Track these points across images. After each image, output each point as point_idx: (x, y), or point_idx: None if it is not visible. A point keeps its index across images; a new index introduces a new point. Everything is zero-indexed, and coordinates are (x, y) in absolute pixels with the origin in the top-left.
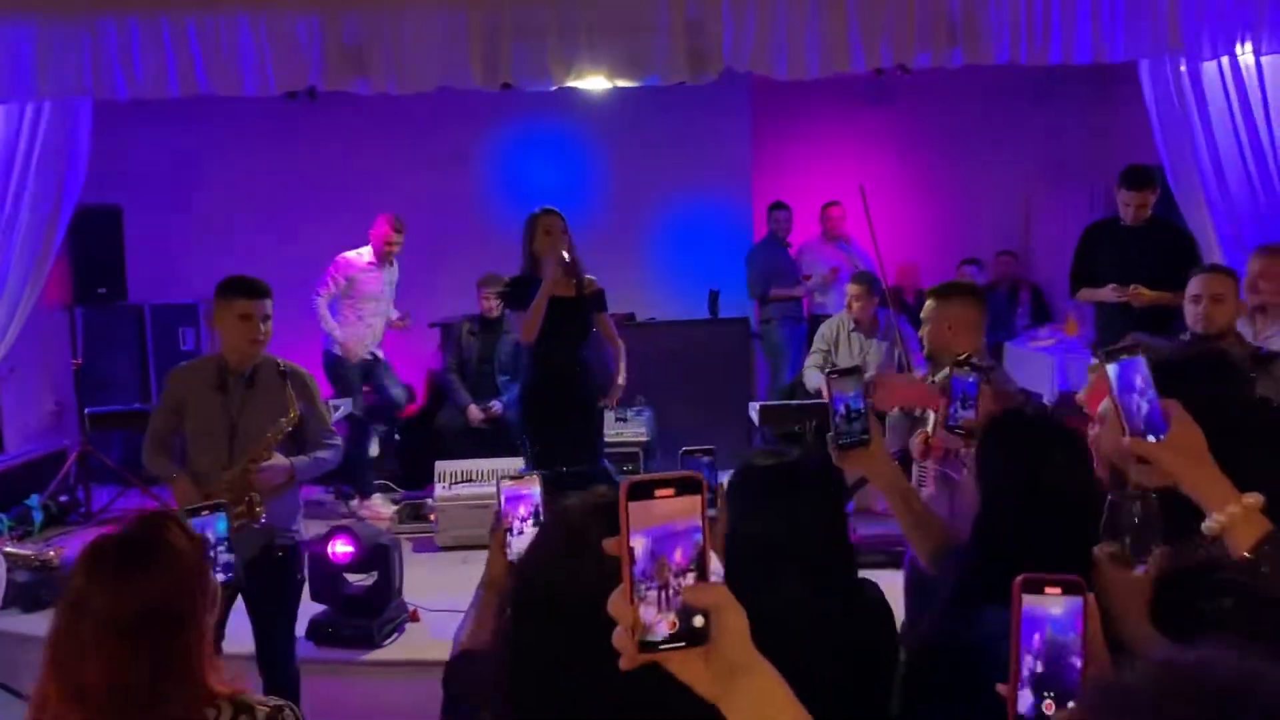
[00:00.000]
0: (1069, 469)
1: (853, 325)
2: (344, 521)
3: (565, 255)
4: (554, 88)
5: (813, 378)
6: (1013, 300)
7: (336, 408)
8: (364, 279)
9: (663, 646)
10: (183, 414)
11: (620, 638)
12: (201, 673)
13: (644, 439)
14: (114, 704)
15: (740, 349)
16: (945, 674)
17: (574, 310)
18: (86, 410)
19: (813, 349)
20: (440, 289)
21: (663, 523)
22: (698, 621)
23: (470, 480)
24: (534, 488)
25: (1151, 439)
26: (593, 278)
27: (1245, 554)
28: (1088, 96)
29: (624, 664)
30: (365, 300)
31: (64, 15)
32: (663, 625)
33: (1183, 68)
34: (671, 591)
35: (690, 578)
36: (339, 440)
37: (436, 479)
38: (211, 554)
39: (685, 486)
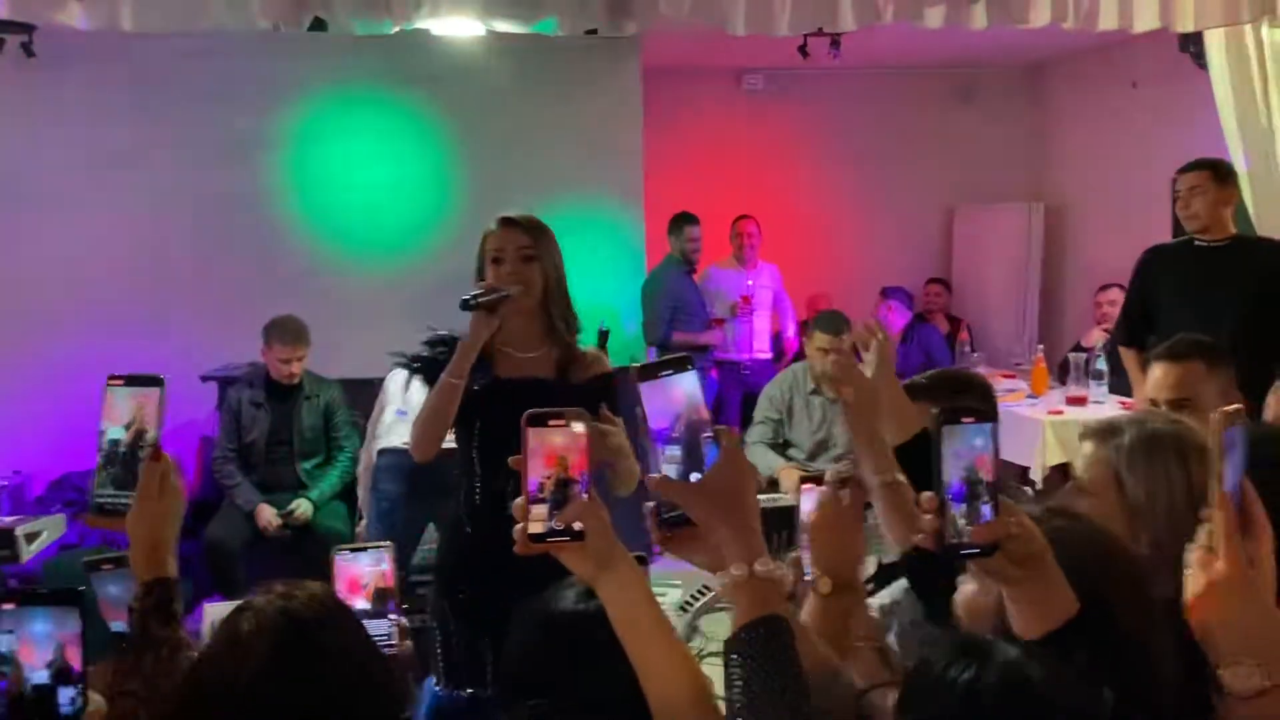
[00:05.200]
0: None
1: (812, 386)
2: None
3: (497, 291)
4: (393, 30)
5: (762, 459)
6: (952, 342)
7: None
8: None
9: (549, 539)
10: None
11: (517, 531)
12: None
13: None
14: None
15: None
16: None
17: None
18: None
19: (756, 418)
20: (217, 327)
21: (556, 447)
22: (577, 525)
23: None
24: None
25: (695, 477)
26: (594, 351)
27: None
28: (1020, 98)
29: (517, 549)
30: None
31: None
32: (551, 525)
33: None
34: (559, 500)
35: (575, 489)
36: None
37: (205, 626)
38: None
39: (574, 419)
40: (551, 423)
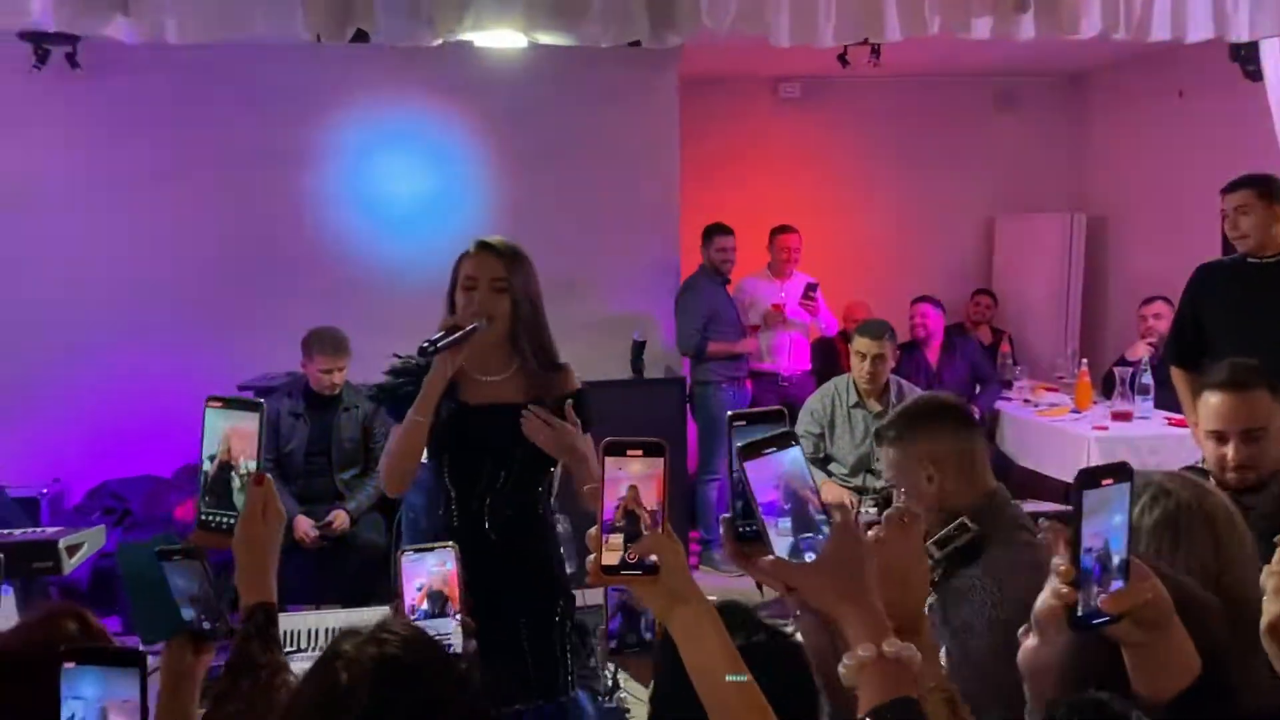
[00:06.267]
0: None
1: (855, 399)
2: None
3: (470, 323)
4: (436, 43)
5: None
6: (994, 354)
7: None
8: None
9: (622, 572)
10: None
11: (590, 562)
12: None
13: None
14: None
15: (675, 420)
16: None
17: (519, 429)
18: None
19: (796, 431)
20: (256, 337)
21: (632, 476)
22: (651, 558)
23: (299, 649)
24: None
25: (810, 557)
26: (566, 365)
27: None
28: (1062, 105)
29: (589, 581)
30: None
31: None
32: (625, 557)
33: None
34: (633, 532)
35: (656, 515)
36: None
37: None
38: None
39: (652, 450)
40: (630, 452)
